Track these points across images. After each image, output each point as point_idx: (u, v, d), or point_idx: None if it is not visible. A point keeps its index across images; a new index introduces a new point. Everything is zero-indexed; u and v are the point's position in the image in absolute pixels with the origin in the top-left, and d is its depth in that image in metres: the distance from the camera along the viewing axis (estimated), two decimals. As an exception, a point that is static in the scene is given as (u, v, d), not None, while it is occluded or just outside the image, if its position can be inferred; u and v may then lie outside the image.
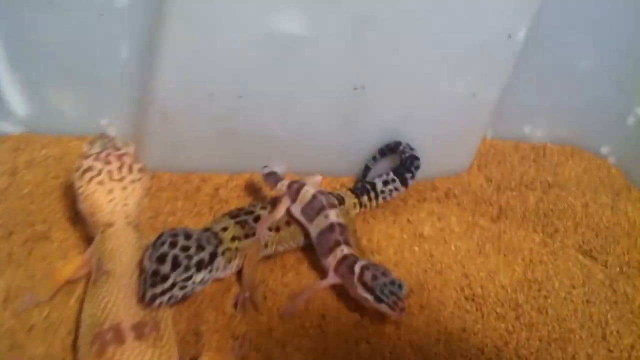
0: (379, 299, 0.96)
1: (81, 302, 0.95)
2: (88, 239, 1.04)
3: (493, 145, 1.51)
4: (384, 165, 1.32)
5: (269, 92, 1.18)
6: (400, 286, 0.96)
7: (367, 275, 0.98)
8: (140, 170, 1.02)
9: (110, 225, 0.96)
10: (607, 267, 1.23)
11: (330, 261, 1.04)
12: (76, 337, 0.91)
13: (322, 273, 1.08)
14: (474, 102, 1.28)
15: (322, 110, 1.23)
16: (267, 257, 1.13)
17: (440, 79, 1.23)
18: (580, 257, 1.22)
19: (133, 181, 1.00)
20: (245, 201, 1.24)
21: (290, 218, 1.12)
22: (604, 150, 1.53)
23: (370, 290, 0.97)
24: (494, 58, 1.23)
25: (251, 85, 1.16)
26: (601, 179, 1.46)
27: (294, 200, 1.10)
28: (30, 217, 1.12)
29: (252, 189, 1.28)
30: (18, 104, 1.25)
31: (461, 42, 1.17)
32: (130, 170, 1.00)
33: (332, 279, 1.04)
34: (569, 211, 1.32)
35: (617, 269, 1.23)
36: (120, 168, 1.00)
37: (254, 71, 1.14)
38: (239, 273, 1.06)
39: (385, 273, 0.98)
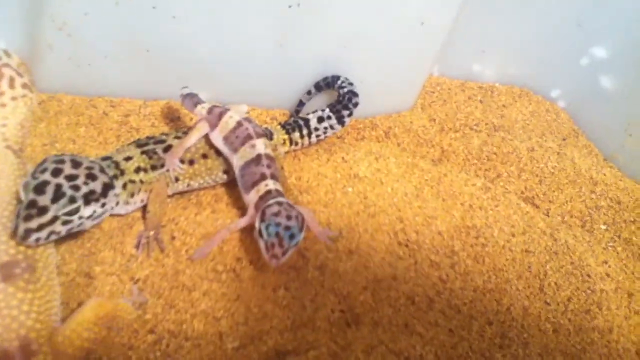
0: (260, 232, 0.86)
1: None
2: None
3: (439, 83, 1.42)
4: (320, 101, 1.21)
5: (187, 3, 1.03)
6: (291, 236, 0.85)
7: (272, 209, 0.87)
8: (25, 85, 0.88)
9: (-17, 148, 0.82)
10: (548, 216, 1.17)
11: (252, 197, 0.92)
12: None
13: (243, 212, 0.96)
14: (422, 32, 1.17)
15: (252, 30, 1.09)
16: (180, 194, 1.00)
17: (386, 1, 1.11)
18: (522, 204, 1.15)
19: (14, 98, 0.86)
20: (160, 131, 1.10)
21: (209, 150, 1.00)
22: (554, 93, 1.46)
23: (262, 220, 0.86)
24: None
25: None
26: (549, 122, 1.40)
27: (214, 126, 0.97)
28: None
29: (169, 117, 1.14)
30: None
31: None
32: (11, 84, 0.86)
33: (252, 217, 0.92)
34: (514, 155, 1.25)
35: (559, 218, 1.18)
36: None
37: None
38: (145, 209, 0.94)
39: (290, 218, 0.86)
